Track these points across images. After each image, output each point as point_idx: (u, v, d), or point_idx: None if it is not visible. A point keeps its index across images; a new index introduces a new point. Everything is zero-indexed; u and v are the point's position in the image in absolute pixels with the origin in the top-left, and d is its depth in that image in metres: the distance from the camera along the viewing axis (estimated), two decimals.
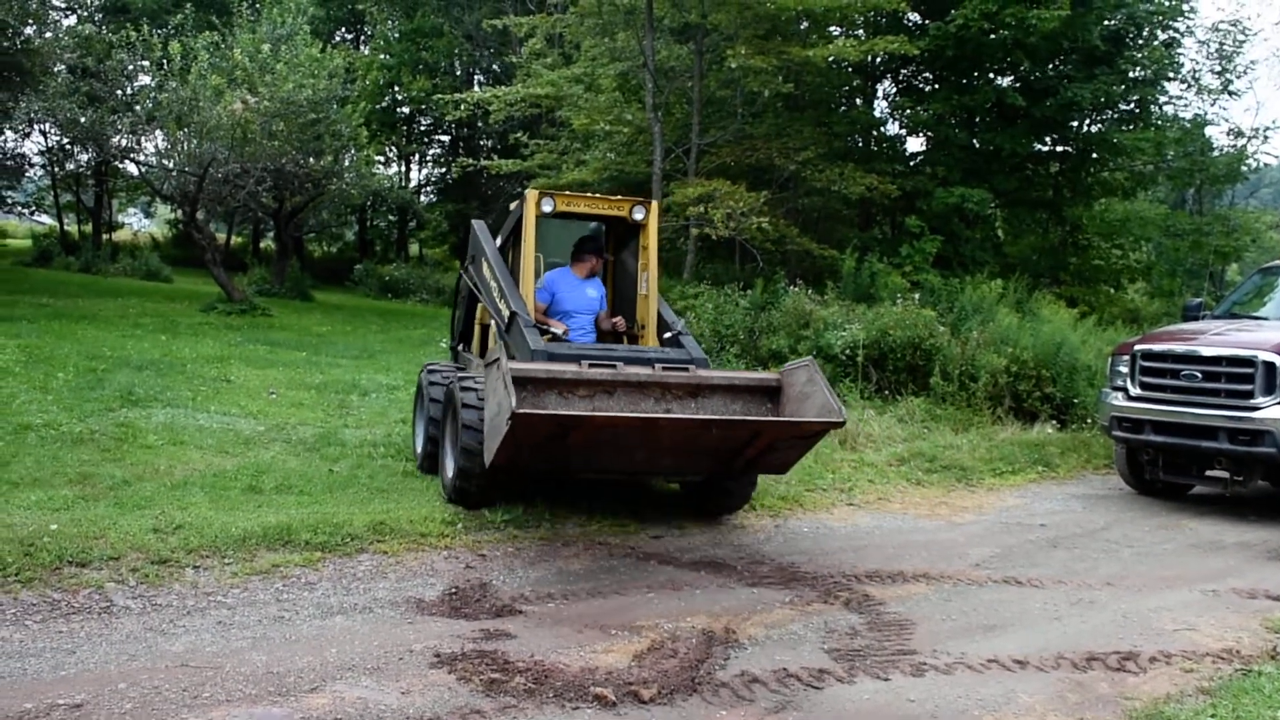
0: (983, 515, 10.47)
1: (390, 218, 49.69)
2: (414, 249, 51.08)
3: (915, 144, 34.75)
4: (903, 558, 8.55)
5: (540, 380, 7.98)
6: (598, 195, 9.52)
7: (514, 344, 8.75)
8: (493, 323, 9.58)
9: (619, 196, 9.79)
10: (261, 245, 48.68)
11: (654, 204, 9.51)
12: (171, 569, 6.98)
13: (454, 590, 6.97)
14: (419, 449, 9.97)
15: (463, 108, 26.26)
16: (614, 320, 9.56)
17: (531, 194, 9.19)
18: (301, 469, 9.71)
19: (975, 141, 24.18)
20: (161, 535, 7.44)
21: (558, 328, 9.21)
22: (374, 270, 38.91)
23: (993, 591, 7.72)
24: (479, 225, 10.38)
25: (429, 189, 50.23)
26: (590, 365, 8.15)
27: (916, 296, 17.11)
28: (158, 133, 25.30)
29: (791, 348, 15.60)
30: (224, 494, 8.71)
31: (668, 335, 9.21)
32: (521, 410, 6.90)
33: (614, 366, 8.21)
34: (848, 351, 15.05)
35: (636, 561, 7.95)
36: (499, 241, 10.12)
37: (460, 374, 9.59)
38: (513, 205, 9.81)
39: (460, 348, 11.32)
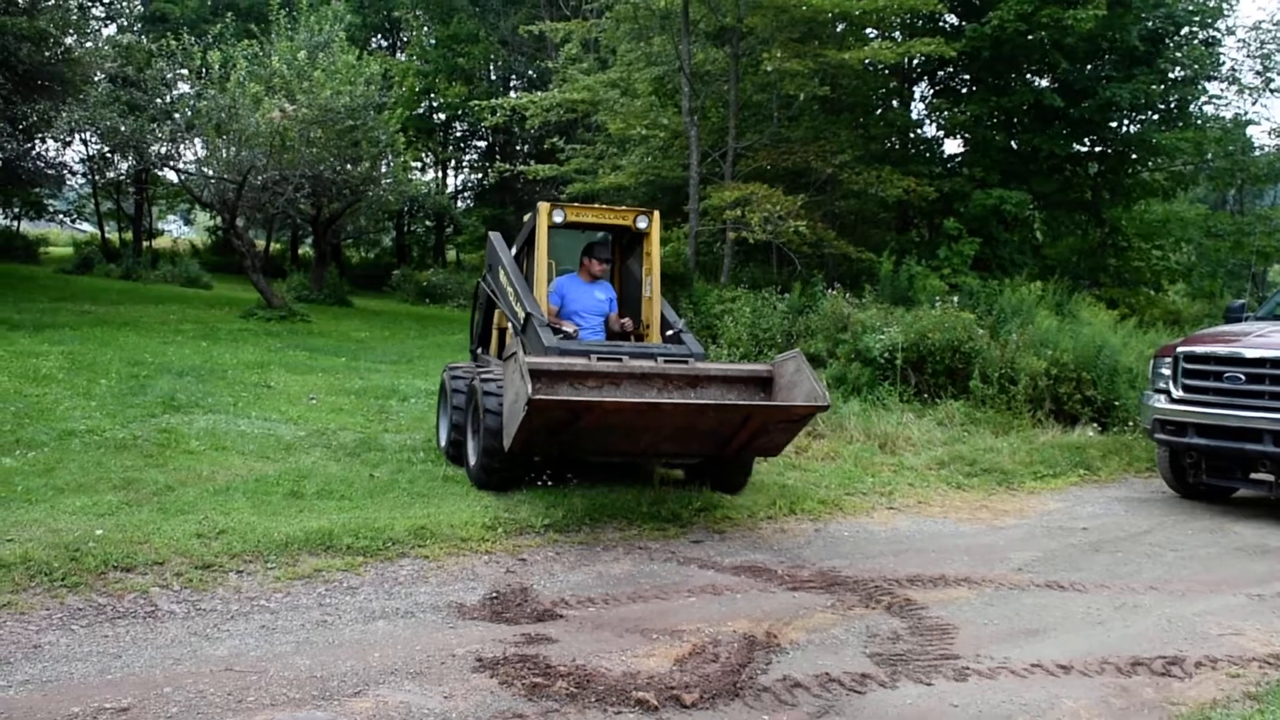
0: (1024, 519, 10.38)
1: (427, 223, 49.84)
2: (451, 254, 51.11)
3: (952, 146, 34.66)
4: (944, 562, 8.49)
5: (553, 372, 8.49)
6: (604, 206, 10.31)
7: (529, 342, 9.26)
8: (509, 325, 10.16)
9: (625, 208, 10.27)
10: (300, 252, 48.93)
11: (655, 214, 10.08)
12: (215, 573, 7.01)
13: (495, 595, 6.96)
14: (443, 441, 10.83)
15: (499, 114, 26.25)
16: (622, 321, 10.12)
17: (543, 206, 9.78)
18: (342, 474, 9.75)
19: (1013, 143, 24.05)
20: (205, 540, 7.47)
21: (568, 328, 9.73)
22: (411, 276, 39.02)
23: (1035, 596, 7.65)
24: (495, 236, 10.90)
25: (465, 194, 50.38)
26: (598, 359, 8.74)
27: (955, 299, 17.00)
28: (197, 140, 25.46)
29: (830, 351, 15.58)
30: (266, 499, 8.74)
31: (669, 333, 9.75)
32: (537, 397, 7.57)
33: (620, 360, 8.78)
34: (886, 354, 14.96)
35: (677, 565, 7.92)
36: (514, 250, 10.60)
37: (481, 372, 10.06)
38: (526, 217, 10.39)
39: (479, 350, 11.73)
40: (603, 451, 8.61)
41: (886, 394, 14.51)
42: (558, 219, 9.82)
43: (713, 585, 7.46)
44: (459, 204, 47.92)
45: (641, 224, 10.11)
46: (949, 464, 12.19)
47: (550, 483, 9.59)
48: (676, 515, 9.21)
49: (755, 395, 9.02)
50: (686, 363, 8.94)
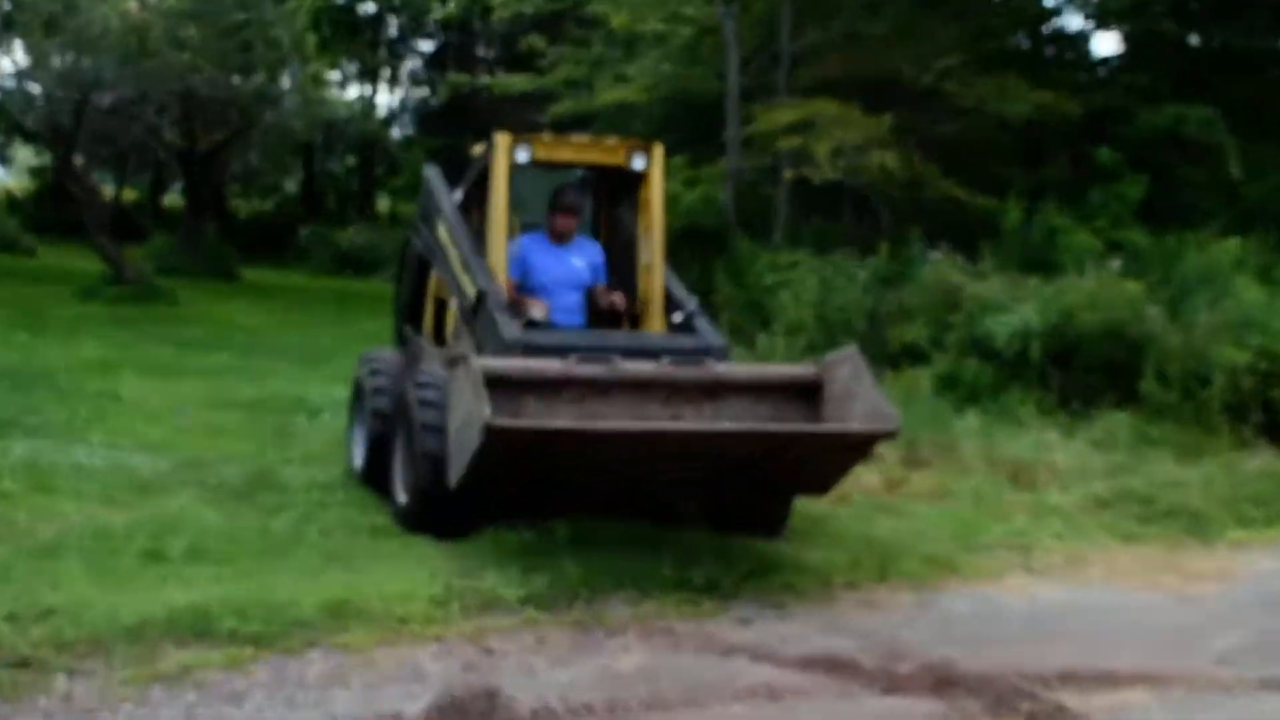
0: (1228, 586, 10.29)
1: (349, 161, 50.06)
2: (383, 205, 51.25)
3: (1106, 43, 34.45)
4: (1111, 650, 8.36)
5: (518, 381, 8.97)
6: (586, 140, 10.93)
7: (482, 333, 9.76)
8: (453, 302, 10.70)
9: (613, 141, 10.83)
10: (165, 202, 49.02)
11: (657, 148, 10.56)
12: (35, 675, 6.85)
13: (448, 703, 6.86)
14: (357, 462, 11.41)
15: (452, 3, 26.10)
16: (610, 298, 10.56)
17: (502, 138, 10.21)
18: (224, 525, 9.72)
19: (1193, 37, 24.10)
20: (20, 625, 7.33)
21: (536, 309, 10.14)
22: (326, 236, 39.35)
23: (1249, 701, 7.53)
24: (433, 172, 11.54)
25: (404, 118, 50.28)
26: (580, 360, 9.16)
27: (1115, 263, 16.85)
28: (16, 43, 25.27)
29: (934, 340, 15.55)
30: (112, 563, 8.62)
31: (677, 317, 10.32)
32: (498, 423, 7.97)
33: (609, 361, 9.20)
34: (1017, 345, 14.88)
35: (717, 658, 7.84)
36: (459, 196, 11.12)
37: (413, 371, 10.61)
38: (476, 149, 10.98)
39: (409, 331, 12.24)
40: (584, 490, 9.23)
41: (1018, 402, 14.44)
42: (522, 157, 10.28)
43: (769, 687, 7.37)
44: (395, 132, 47.83)
45: (638, 163, 10.54)
46: (1113, 504, 12.10)
47: (526, 530, 9.55)
48: (714, 583, 9.12)
49: (796, 410, 9.52)
50: (702, 363, 9.42)
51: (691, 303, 10.41)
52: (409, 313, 12.33)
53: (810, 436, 8.80)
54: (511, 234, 10.68)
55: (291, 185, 52.17)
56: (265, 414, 14.13)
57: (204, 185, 33.14)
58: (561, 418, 8.92)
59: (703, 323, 10.23)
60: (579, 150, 10.71)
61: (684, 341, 9.87)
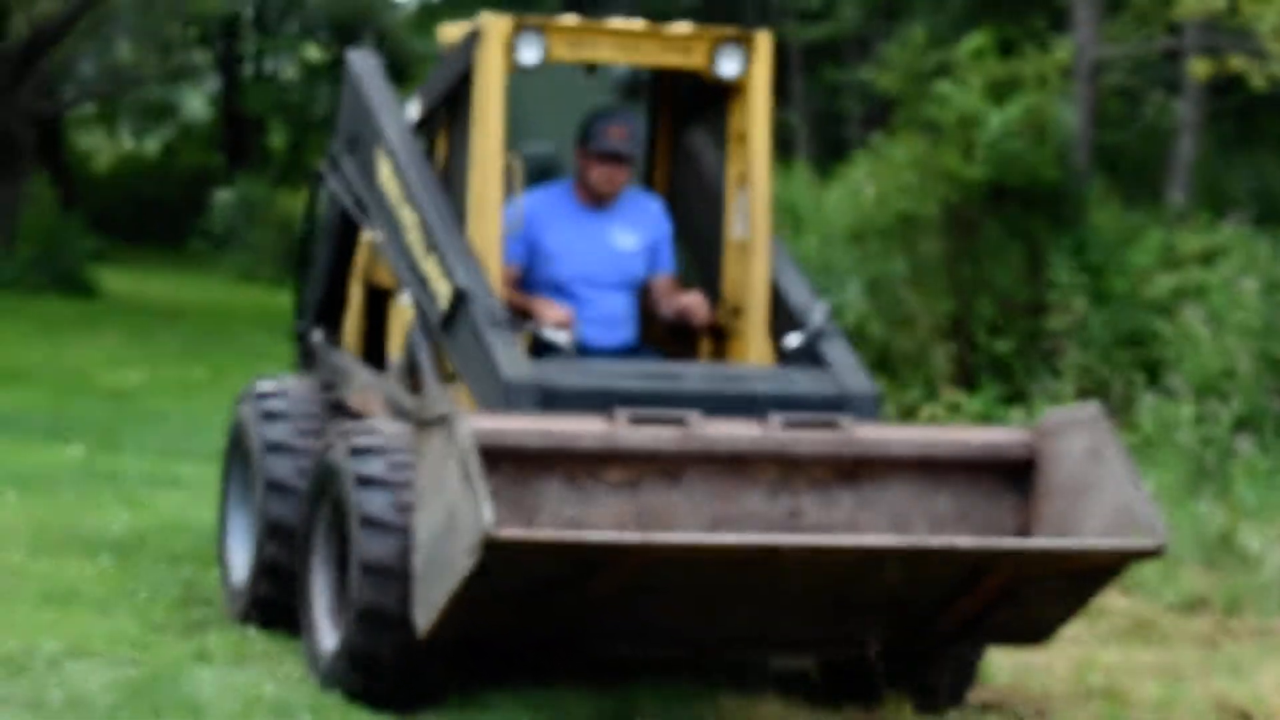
0: None
1: (307, 56, 42.47)
2: None
3: None
4: None
5: (532, 453, 7.70)
6: (637, 25, 9.12)
7: (460, 360, 8.46)
8: (402, 296, 9.08)
9: (684, 27, 9.04)
10: None
11: (762, 38, 8.90)
12: None
13: None
14: (235, 578, 9.88)
15: None
16: (683, 301, 8.90)
17: (495, 25, 8.65)
18: None
19: None
20: None
21: (549, 320, 8.58)
22: (261, 203, 32.47)
23: None
24: (366, 65, 9.89)
25: None
26: (632, 418, 7.71)
27: None
28: None
29: None
30: None
31: (793, 340, 8.65)
32: (507, 535, 6.74)
33: (682, 421, 7.79)
34: None
35: None
36: (417, 114, 9.51)
37: (339, 421, 9.32)
38: (446, 34, 9.54)
39: (315, 335, 10.50)
40: (637, 639, 7.89)
41: None
42: (528, 56, 8.58)
43: None
44: None
45: (728, 66, 8.76)
46: None
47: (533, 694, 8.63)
48: None
49: (996, 504, 8.23)
50: (835, 425, 7.87)
51: (819, 313, 8.53)
52: (320, 306, 10.39)
53: (1022, 557, 7.35)
54: (512, 186, 8.84)
55: (195, 107, 45.94)
56: (149, 560, 11.24)
57: (24, 113, 26.37)
58: (604, 521, 7.58)
59: (836, 346, 8.49)
60: (624, 43, 8.72)
61: (804, 383, 8.19)
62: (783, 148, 30.51)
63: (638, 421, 7.73)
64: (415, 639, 7.71)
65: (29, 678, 8.66)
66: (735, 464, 7.92)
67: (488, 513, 6.65)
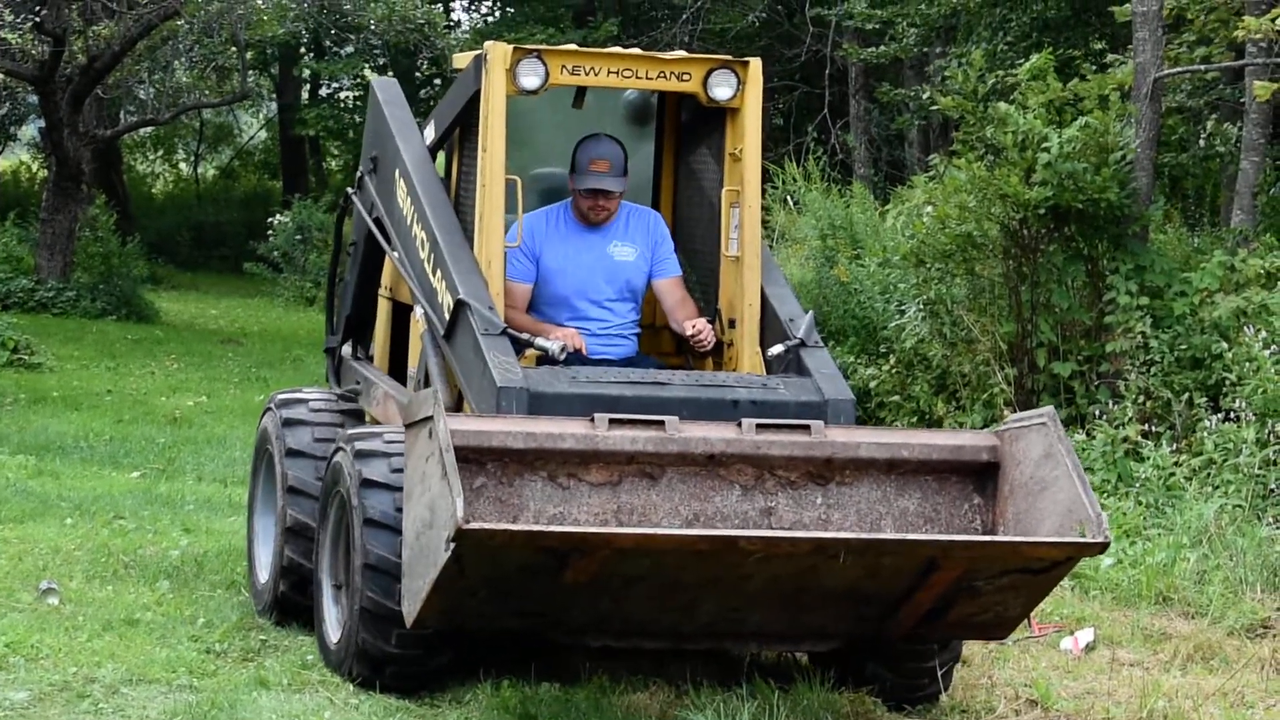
0: None
1: (369, 73, 40.39)
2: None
3: None
4: None
5: (515, 453, 8.11)
6: (633, 53, 9.64)
7: (463, 367, 8.86)
8: (417, 311, 9.58)
9: (678, 54, 9.57)
10: (3, 167, 41.85)
11: (754, 64, 9.46)
12: None
13: None
14: (262, 575, 10.30)
15: None
16: (690, 331, 9.27)
17: (496, 50, 9.16)
18: None
19: None
20: None
21: (554, 341, 8.97)
22: (322, 227, 30.88)
23: None
24: (386, 89, 10.56)
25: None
26: (612, 421, 8.11)
27: None
28: None
29: None
30: None
31: (775, 350, 9.04)
32: (473, 526, 7.14)
33: (659, 424, 8.15)
34: None
35: None
36: (431, 137, 10.17)
37: (351, 425, 9.93)
38: (458, 61, 10.33)
39: (347, 352, 11.26)
40: (615, 630, 8.10)
41: None
42: (529, 81, 9.07)
43: None
44: (459, 23, 39.63)
45: (722, 89, 9.30)
46: None
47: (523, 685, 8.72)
48: None
49: (961, 504, 8.54)
50: (808, 429, 8.22)
51: (803, 323, 8.98)
52: (350, 322, 11.18)
53: (970, 548, 7.67)
54: (514, 206, 9.38)
55: (255, 128, 45.50)
56: (207, 586, 11.32)
57: (78, 135, 25.88)
58: (585, 518, 7.98)
59: (817, 357, 8.89)
60: (623, 69, 9.23)
61: (784, 391, 8.56)
62: (842, 170, 30.27)
63: (617, 424, 8.11)
64: (417, 634, 8.18)
65: (88, 704, 8.83)
66: (712, 465, 8.25)
67: (459, 507, 7.02)
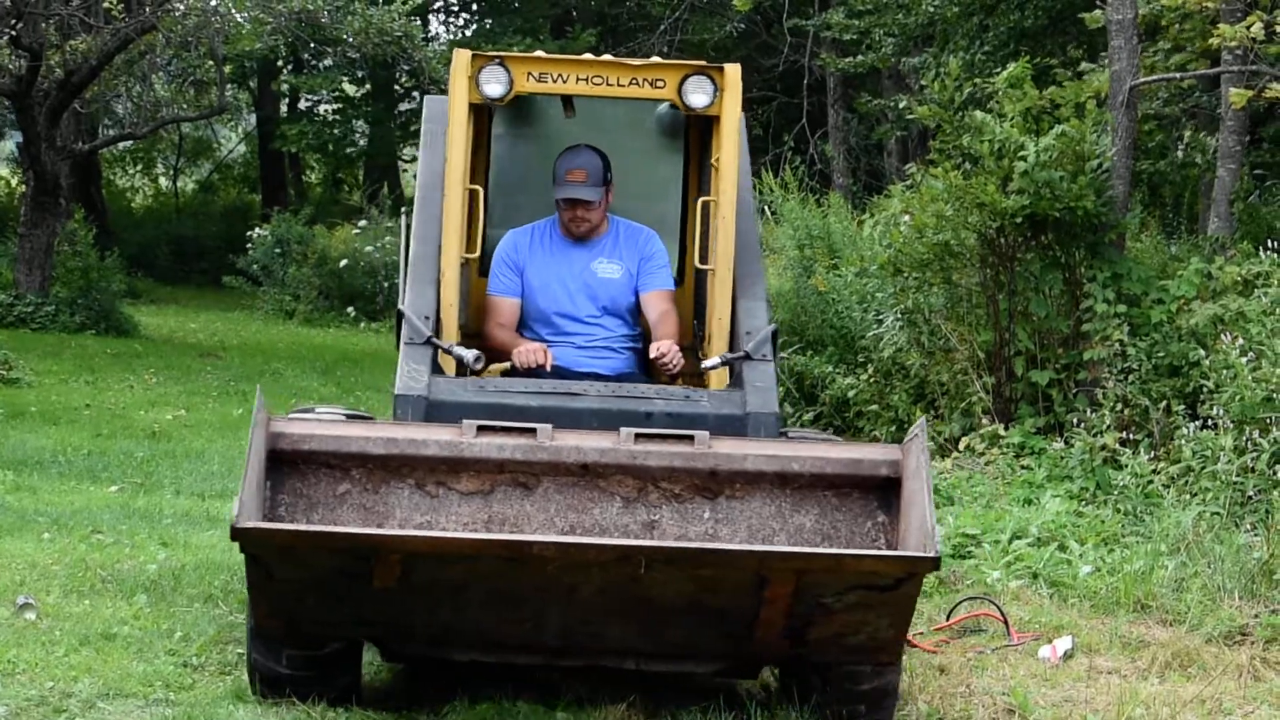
0: None
1: (347, 87, 40.51)
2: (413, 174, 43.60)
3: None
4: None
5: (380, 460, 7.99)
6: (604, 60, 9.46)
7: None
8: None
9: (653, 61, 9.40)
10: None
11: (731, 70, 9.16)
12: None
13: None
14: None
15: None
16: (657, 349, 9.07)
17: (459, 58, 9.17)
18: None
19: None
20: None
21: (470, 350, 8.94)
22: (300, 240, 31.14)
23: None
24: (430, 104, 10.39)
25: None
26: (481, 429, 7.98)
27: None
28: None
29: None
30: None
31: (711, 363, 8.92)
32: (246, 525, 7.14)
33: (530, 432, 8.01)
34: None
35: None
36: (420, 155, 10.43)
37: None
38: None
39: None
40: (469, 643, 7.88)
41: None
42: (493, 89, 9.03)
43: None
44: (436, 31, 40.07)
45: (698, 97, 9.13)
46: None
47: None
48: None
49: (862, 521, 8.22)
50: (690, 439, 7.97)
51: (757, 335, 8.78)
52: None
53: (783, 559, 7.25)
54: (489, 214, 9.62)
55: (234, 142, 45.69)
56: (185, 600, 11.23)
57: (55, 149, 25.84)
58: (451, 525, 7.79)
59: (758, 371, 8.67)
60: (592, 76, 9.11)
61: (705, 404, 8.41)
62: (821, 180, 30.21)
63: (485, 431, 7.95)
64: (306, 655, 8.15)
65: (64, 719, 8.69)
66: (590, 476, 8.04)
67: (234, 506, 7.08)
